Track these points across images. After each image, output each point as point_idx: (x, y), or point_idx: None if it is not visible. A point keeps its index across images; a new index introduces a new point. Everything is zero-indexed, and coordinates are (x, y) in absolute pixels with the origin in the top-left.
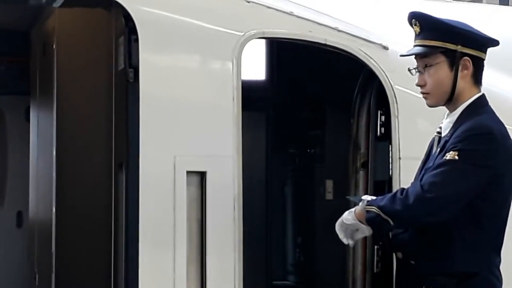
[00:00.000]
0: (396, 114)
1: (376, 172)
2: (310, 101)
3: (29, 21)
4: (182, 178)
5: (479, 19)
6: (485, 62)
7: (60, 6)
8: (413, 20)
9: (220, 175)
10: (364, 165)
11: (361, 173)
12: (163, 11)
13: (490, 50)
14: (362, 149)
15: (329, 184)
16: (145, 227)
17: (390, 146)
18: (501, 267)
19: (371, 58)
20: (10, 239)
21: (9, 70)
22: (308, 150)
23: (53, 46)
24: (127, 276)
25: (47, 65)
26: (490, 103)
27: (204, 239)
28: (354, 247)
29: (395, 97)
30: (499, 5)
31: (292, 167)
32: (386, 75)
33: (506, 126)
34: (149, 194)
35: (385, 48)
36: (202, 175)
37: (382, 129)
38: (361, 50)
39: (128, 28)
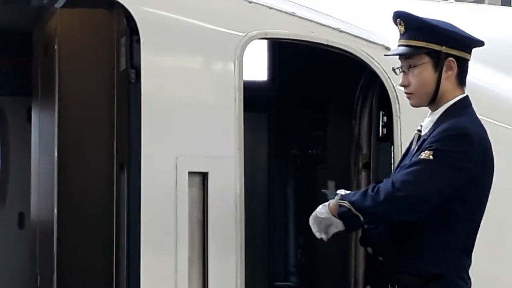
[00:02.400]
0: (398, 114)
1: (378, 173)
2: (312, 102)
3: (31, 21)
4: (184, 179)
5: (482, 20)
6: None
7: (62, 7)
8: (398, 19)
9: (222, 175)
10: (366, 166)
11: (363, 174)
12: (165, 11)
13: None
14: (364, 150)
15: (331, 185)
16: (147, 227)
17: (392, 147)
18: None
19: (373, 58)
20: (12, 240)
21: (11, 71)
22: (310, 151)
23: (55, 46)
24: (128, 277)
25: (49, 66)
26: (490, 103)
27: (206, 240)
28: (355, 248)
29: (397, 97)
30: (501, 6)
31: (294, 168)
32: (388, 76)
33: (506, 126)
34: (151, 195)
35: (387, 48)
36: (203, 175)
37: (384, 130)
38: (363, 51)
39: (130, 28)
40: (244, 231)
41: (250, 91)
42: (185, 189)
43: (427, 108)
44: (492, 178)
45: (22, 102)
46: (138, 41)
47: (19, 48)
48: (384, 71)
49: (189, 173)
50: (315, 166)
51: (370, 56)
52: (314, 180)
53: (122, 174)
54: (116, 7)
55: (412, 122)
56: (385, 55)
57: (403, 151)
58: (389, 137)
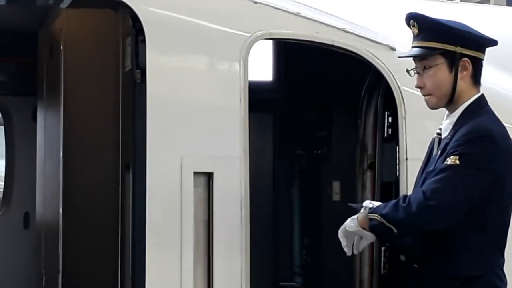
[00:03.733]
0: (403, 115)
1: (383, 173)
2: (317, 102)
3: (36, 22)
4: (189, 179)
5: (486, 20)
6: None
7: (68, 7)
8: (411, 21)
9: (227, 176)
10: (371, 166)
11: (368, 174)
12: (170, 12)
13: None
14: (369, 150)
15: (336, 185)
16: (152, 228)
17: (397, 147)
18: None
19: (378, 59)
20: (17, 240)
21: (17, 71)
22: (315, 151)
23: (60, 47)
24: (134, 276)
25: (54, 66)
26: (493, 104)
27: (211, 240)
28: None
29: (402, 98)
30: (507, 6)
31: (299, 168)
32: (393, 76)
33: (509, 125)
34: (156, 195)
35: (393, 49)
36: (209, 176)
37: (389, 130)
38: (368, 51)
39: (135, 29)
40: (249, 231)
41: (256, 91)
42: (190, 189)
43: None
44: None
45: (27, 102)
46: (144, 41)
47: (24, 49)
48: (389, 71)
49: (195, 173)
50: (320, 166)
51: (375, 56)
52: (319, 180)
53: (127, 174)
54: (122, 7)
55: (417, 123)
56: (399, 57)
57: (407, 150)
58: (394, 138)
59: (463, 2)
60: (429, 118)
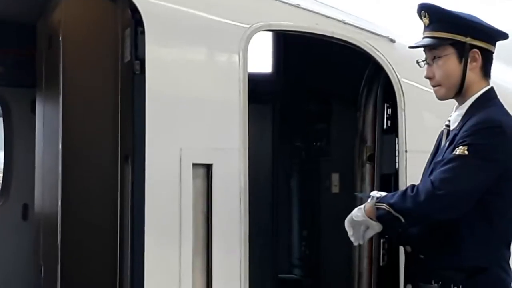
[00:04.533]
0: (403, 107)
1: (383, 165)
2: (316, 94)
3: (35, 13)
4: (188, 171)
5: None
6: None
7: None
8: (422, 11)
9: (226, 167)
10: (371, 158)
11: (368, 166)
12: (170, 3)
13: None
14: (369, 142)
15: (335, 177)
16: (151, 219)
17: (396, 139)
18: None
19: (378, 51)
20: (16, 232)
21: (15, 63)
22: (314, 143)
23: (59, 38)
24: (132, 267)
25: (53, 58)
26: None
27: (210, 232)
28: None
29: (401, 90)
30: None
31: (298, 160)
32: (392, 68)
33: None
34: (155, 187)
35: (392, 41)
36: (208, 167)
37: (389, 122)
38: (368, 43)
39: (134, 20)
40: (248, 223)
41: (255, 83)
42: (189, 181)
43: (433, 101)
44: None
45: (26, 93)
46: (143, 32)
47: (23, 40)
48: (389, 63)
49: (194, 164)
50: (319, 158)
51: (374, 48)
52: (318, 173)
53: (126, 165)
54: None
55: (417, 115)
56: (409, 47)
57: (407, 142)
58: (393, 130)
59: None
60: (429, 110)
